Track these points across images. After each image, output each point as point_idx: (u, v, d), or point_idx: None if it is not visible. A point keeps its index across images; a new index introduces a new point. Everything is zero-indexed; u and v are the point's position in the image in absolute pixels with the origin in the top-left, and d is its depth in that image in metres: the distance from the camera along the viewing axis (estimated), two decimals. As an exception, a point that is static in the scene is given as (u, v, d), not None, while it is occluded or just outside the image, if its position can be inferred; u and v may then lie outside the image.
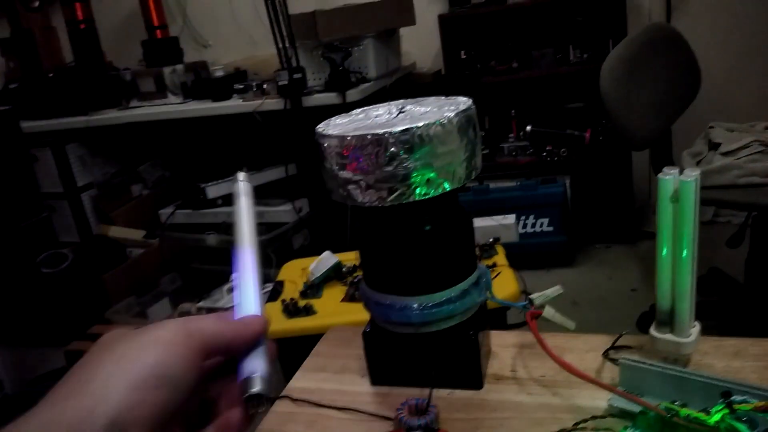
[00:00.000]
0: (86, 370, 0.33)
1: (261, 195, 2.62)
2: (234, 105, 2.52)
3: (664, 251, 0.56)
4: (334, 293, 1.65)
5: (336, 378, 0.69)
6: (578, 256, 2.69)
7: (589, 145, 2.63)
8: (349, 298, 1.58)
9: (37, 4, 3.09)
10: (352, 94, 2.32)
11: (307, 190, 2.58)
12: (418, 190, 0.54)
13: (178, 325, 0.36)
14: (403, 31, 2.74)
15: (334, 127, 0.58)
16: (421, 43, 2.90)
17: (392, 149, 0.52)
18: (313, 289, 1.67)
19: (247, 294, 0.42)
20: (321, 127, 0.58)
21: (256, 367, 0.38)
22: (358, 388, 0.67)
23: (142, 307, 2.48)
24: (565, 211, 2.60)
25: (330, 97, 2.33)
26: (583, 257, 2.70)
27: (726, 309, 1.95)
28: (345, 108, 2.38)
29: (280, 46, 2.34)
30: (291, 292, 1.67)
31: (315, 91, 2.39)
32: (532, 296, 0.63)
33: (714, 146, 1.76)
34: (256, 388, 0.37)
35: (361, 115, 0.61)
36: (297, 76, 2.34)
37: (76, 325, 2.31)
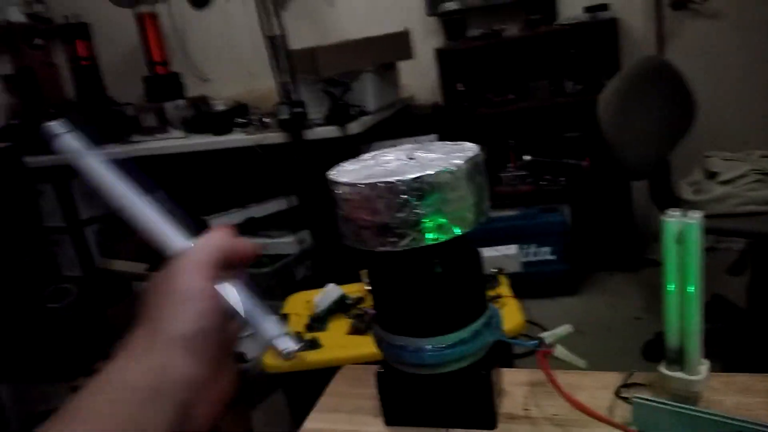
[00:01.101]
0: (154, 309, 0.41)
1: (263, 227, 2.64)
2: (236, 139, 2.55)
3: (671, 290, 0.57)
4: (339, 325, 1.65)
5: (350, 418, 0.70)
6: (581, 284, 2.70)
7: (588, 173, 2.66)
8: (354, 330, 1.59)
9: (39, 41, 3.14)
10: (353, 127, 2.35)
11: (309, 222, 2.60)
12: (428, 236, 0.55)
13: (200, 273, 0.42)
14: (402, 65, 2.78)
15: (346, 173, 0.59)
16: (419, 76, 2.94)
17: (404, 196, 0.54)
18: (319, 321, 1.67)
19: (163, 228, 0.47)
20: (333, 174, 0.60)
21: (275, 329, 0.43)
22: (373, 428, 0.67)
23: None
24: (567, 239, 2.62)
25: (330, 131, 2.36)
26: (586, 285, 2.70)
27: (730, 336, 1.95)
28: (346, 141, 2.40)
29: (281, 81, 2.38)
30: (296, 325, 1.67)
31: (315, 125, 2.42)
32: (543, 335, 0.64)
33: (711, 175, 1.79)
34: (291, 346, 0.43)
35: (371, 161, 0.63)
36: (298, 110, 2.37)
37: (82, 360, 2.29)
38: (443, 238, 0.56)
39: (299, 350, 0.43)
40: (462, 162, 0.56)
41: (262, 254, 2.56)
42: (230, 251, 0.44)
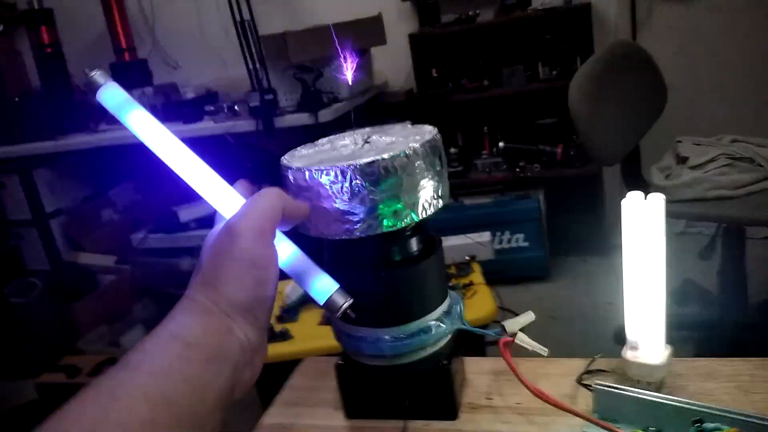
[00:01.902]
0: (212, 270, 0.42)
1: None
2: (205, 127, 2.50)
3: (632, 276, 0.56)
4: (310, 316, 1.63)
5: (310, 412, 0.68)
6: (554, 270, 2.71)
7: (561, 159, 2.66)
8: (326, 321, 1.57)
9: (1, 28, 3.04)
10: (325, 114, 2.32)
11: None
12: (385, 222, 0.53)
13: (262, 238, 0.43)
14: (375, 51, 2.75)
15: (299, 158, 0.57)
16: (392, 62, 2.91)
17: (357, 182, 0.52)
18: (290, 312, 1.65)
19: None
20: (286, 159, 0.57)
21: (328, 285, 0.46)
22: (333, 422, 0.65)
23: (114, 336, 2.42)
24: (540, 226, 2.62)
25: (302, 118, 2.33)
26: (560, 271, 2.71)
27: (700, 320, 1.97)
28: (317, 128, 2.36)
29: (251, 67, 2.33)
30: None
31: (287, 112, 2.38)
32: (505, 323, 0.63)
33: (682, 160, 1.79)
34: (343, 302, 0.46)
35: (327, 146, 0.61)
36: (268, 97, 2.33)
37: (47, 355, 2.24)
38: (400, 225, 0.54)
39: (350, 306, 0.46)
40: (418, 145, 0.54)
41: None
42: (285, 212, 0.44)
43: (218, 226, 0.45)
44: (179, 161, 0.47)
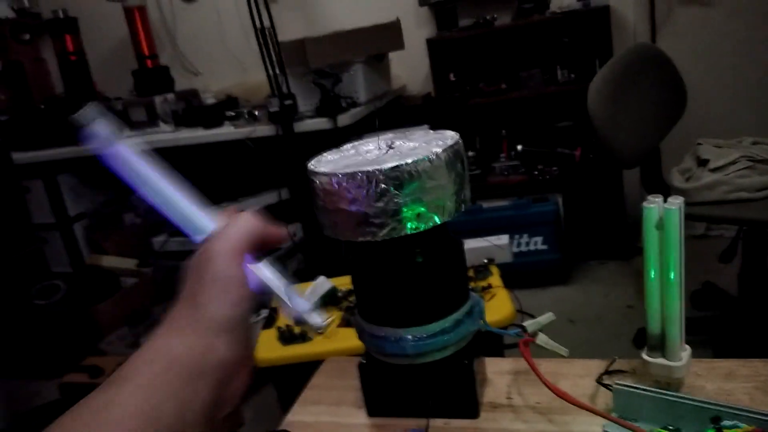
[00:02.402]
0: (194, 288, 0.43)
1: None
2: (226, 132, 2.53)
3: (652, 277, 0.57)
4: (330, 318, 1.65)
5: (333, 410, 0.69)
6: (573, 273, 2.70)
7: (580, 162, 2.66)
8: (345, 323, 1.58)
9: (27, 36, 3.11)
10: (343, 119, 2.34)
11: (300, 215, 2.59)
12: (408, 225, 0.54)
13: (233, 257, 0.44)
14: (393, 56, 2.77)
15: (325, 163, 0.59)
16: (410, 67, 2.93)
17: (382, 186, 0.53)
18: (309, 315, 1.66)
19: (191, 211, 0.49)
20: (312, 164, 0.59)
21: (305, 305, 0.48)
22: (356, 420, 0.67)
23: (136, 337, 2.46)
24: (559, 229, 2.62)
25: (321, 123, 2.35)
26: (578, 274, 2.70)
27: (720, 323, 1.95)
28: (337, 133, 2.39)
29: (271, 73, 2.36)
30: (286, 318, 1.66)
31: (306, 117, 2.41)
32: (525, 323, 0.64)
33: (702, 162, 1.78)
34: (319, 321, 0.48)
35: (351, 151, 0.62)
36: (288, 102, 2.36)
37: (70, 356, 2.29)
38: (423, 227, 0.55)
39: (326, 323, 0.47)
40: (441, 150, 0.55)
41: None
42: (261, 235, 0.46)
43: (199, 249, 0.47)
44: (163, 189, 0.49)
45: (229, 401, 0.43)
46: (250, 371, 0.46)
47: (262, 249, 0.47)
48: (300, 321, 0.48)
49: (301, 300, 0.48)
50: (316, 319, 0.48)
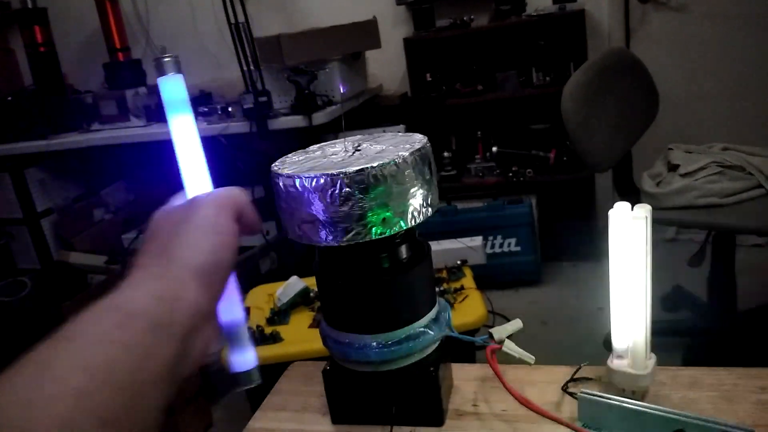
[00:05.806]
0: (167, 238, 0.42)
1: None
2: (198, 128, 2.49)
3: (618, 286, 0.56)
4: (301, 319, 1.63)
5: (297, 417, 0.68)
6: (546, 275, 2.72)
7: (554, 165, 2.67)
8: (316, 324, 1.57)
9: (-5, 26, 3.03)
10: (319, 117, 2.32)
11: (274, 214, 2.56)
12: (374, 230, 0.53)
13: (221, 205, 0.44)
14: (369, 54, 2.75)
15: (290, 165, 0.57)
16: (387, 66, 2.92)
17: (347, 189, 0.52)
18: (280, 315, 1.64)
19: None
20: (276, 166, 0.58)
21: (249, 359, 0.46)
22: (320, 427, 0.66)
23: (105, 336, 2.42)
24: (533, 231, 2.63)
25: (296, 120, 2.33)
26: (551, 276, 2.72)
27: (689, 327, 1.98)
28: (311, 131, 2.36)
29: (245, 69, 2.33)
30: (258, 318, 1.64)
31: (281, 114, 2.38)
32: (492, 330, 0.63)
33: (673, 167, 1.80)
34: (256, 381, 0.46)
35: (317, 153, 0.61)
36: (262, 99, 2.33)
37: (36, 355, 2.23)
38: (389, 232, 0.54)
39: (247, 387, 0.46)
40: (408, 154, 0.54)
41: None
42: (244, 208, 0.46)
43: (176, 203, 0.47)
44: (188, 161, 0.51)
45: (194, 358, 0.40)
46: (215, 331, 0.44)
47: (239, 223, 0.45)
48: (237, 375, 0.46)
49: (250, 353, 0.47)
50: (251, 379, 0.46)
